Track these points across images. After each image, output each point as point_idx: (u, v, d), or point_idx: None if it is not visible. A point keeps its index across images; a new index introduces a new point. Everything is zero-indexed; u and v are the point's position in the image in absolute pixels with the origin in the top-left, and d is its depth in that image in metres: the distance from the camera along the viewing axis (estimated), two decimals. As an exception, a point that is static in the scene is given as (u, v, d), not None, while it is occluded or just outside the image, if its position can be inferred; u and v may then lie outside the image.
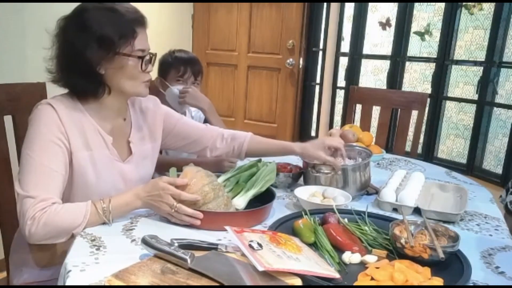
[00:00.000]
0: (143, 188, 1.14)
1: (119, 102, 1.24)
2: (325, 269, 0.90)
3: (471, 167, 2.87)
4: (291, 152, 1.45)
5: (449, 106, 3.17)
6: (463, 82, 3.09)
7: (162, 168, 1.48)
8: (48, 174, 1.09)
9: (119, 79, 1.17)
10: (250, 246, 0.90)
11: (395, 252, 1.01)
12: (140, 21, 1.17)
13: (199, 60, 1.90)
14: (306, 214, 1.15)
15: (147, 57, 1.19)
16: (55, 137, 1.11)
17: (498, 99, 2.77)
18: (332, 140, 1.45)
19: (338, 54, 3.39)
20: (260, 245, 0.91)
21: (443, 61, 2.96)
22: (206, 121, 1.92)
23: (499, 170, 2.74)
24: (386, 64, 3.33)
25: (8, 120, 1.41)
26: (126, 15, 1.14)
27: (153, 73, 1.26)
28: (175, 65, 1.81)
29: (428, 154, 3.08)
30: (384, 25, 3.37)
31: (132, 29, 1.14)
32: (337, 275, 0.89)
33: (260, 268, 0.83)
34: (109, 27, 1.12)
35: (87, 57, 1.12)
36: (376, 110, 2.58)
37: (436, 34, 3.07)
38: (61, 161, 1.12)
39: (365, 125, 2.45)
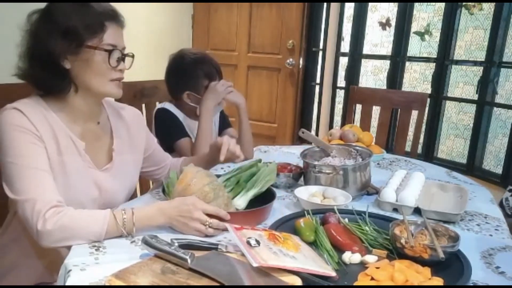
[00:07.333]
0: (169, 204, 1.08)
1: (88, 103, 1.17)
2: (321, 267, 0.89)
3: (471, 167, 2.87)
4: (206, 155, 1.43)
5: (449, 106, 3.17)
6: (463, 82, 3.09)
7: None
8: (38, 175, 1.04)
9: (85, 75, 1.11)
10: (248, 242, 0.90)
11: (395, 252, 1.01)
12: (111, 16, 1.11)
13: (208, 54, 1.81)
14: (308, 214, 1.15)
15: (118, 54, 1.12)
16: (32, 137, 1.06)
17: (498, 99, 2.78)
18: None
19: (338, 54, 3.39)
20: (258, 242, 0.91)
21: (443, 61, 2.96)
22: (224, 122, 1.87)
23: (499, 170, 2.75)
24: (386, 64, 3.33)
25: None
26: (96, 8, 1.09)
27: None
28: (197, 75, 1.71)
29: (428, 154, 3.08)
30: (384, 25, 3.37)
31: (100, 22, 1.08)
32: (333, 273, 0.88)
33: (254, 264, 0.83)
34: (74, 18, 1.07)
35: (50, 48, 1.06)
36: (376, 110, 2.58)
37: (436, 34, 3.07)
38: (45, 159, 1.07)
39: (365, 125, 2.45)
